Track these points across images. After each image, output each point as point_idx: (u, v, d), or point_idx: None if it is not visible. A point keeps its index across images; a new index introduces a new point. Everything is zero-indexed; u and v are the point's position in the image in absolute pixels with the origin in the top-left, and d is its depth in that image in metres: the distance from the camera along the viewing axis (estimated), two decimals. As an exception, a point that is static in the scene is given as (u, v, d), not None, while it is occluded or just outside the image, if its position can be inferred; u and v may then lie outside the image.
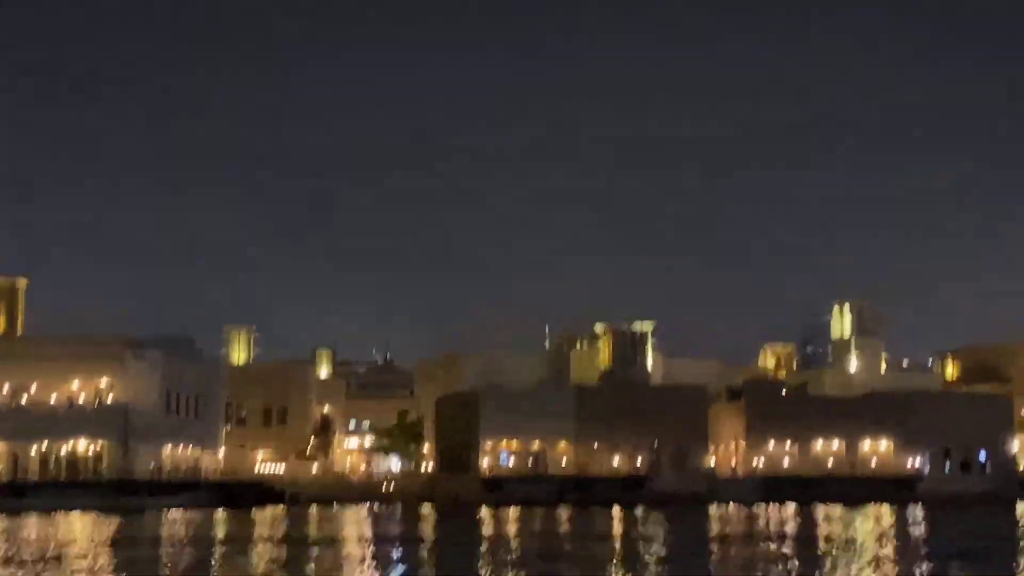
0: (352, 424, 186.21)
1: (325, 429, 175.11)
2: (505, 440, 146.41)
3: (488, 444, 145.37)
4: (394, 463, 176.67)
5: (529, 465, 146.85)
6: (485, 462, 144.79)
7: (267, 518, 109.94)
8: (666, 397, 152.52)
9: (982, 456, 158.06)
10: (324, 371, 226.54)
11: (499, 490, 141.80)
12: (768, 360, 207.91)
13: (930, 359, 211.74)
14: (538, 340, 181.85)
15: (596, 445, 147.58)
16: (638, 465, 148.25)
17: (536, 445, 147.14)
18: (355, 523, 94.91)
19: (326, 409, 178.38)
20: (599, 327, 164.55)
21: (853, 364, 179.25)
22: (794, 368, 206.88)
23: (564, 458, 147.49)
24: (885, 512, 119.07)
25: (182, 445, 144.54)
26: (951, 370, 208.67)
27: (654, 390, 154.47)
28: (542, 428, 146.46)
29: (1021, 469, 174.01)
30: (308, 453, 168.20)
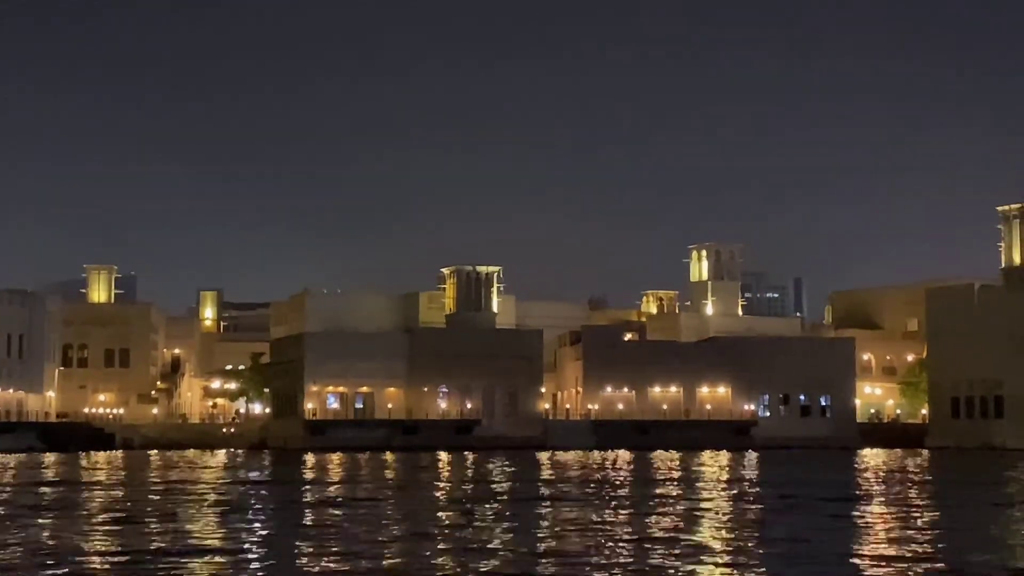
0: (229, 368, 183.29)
1: (175, 371, 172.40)
2: (332, 384, 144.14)
3: (314, 388, 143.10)
4: (257, 407, 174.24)
5: (357, 408, 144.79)
6: (309, 406, 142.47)
7: (90, 463, 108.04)
8: (502, 340, 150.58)
9: (824, 401, 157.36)
10: (209, 313, 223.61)
11: (322, 434, 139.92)
12: (650, 306, 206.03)
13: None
14: (398, 281, 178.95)
15: (427, 389, 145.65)
16: (469, 408, 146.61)
17: (365, 389, 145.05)
18: (165, 469, 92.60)
19: (176, 351, 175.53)
20: (445, 270, 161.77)
21: (709, 308, 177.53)
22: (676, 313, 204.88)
23: (395, 402, 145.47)
24: (720, 458, 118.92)
25: (2, 387, 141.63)
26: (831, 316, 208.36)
27: (490, 333, 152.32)
28: (371, 372, 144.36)
29: (874, 413, 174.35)
30: (152, 396, 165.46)
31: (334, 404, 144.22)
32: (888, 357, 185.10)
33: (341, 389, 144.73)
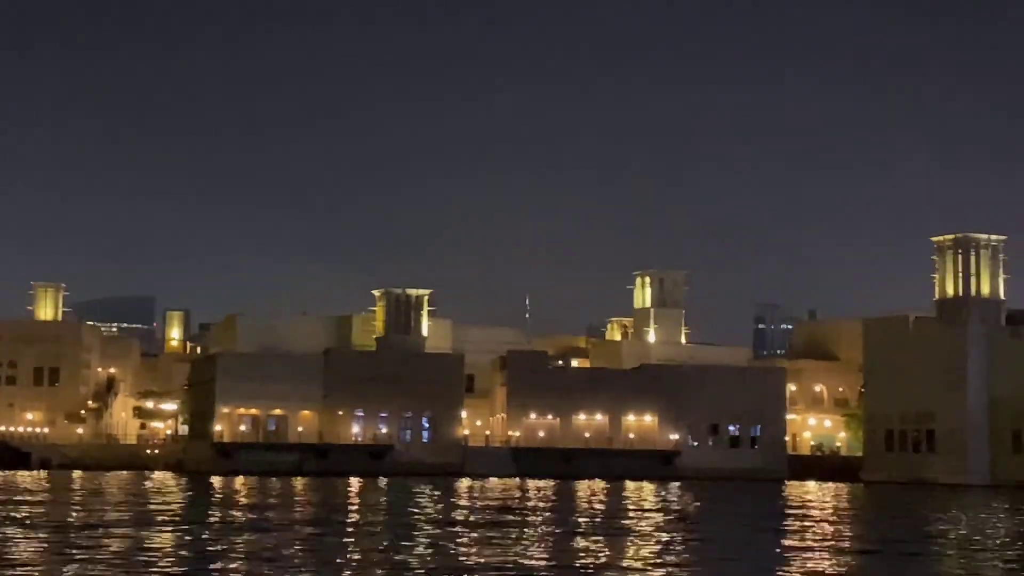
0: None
1: (109, 391, 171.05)
2: (244, 407, 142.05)
3: (225, 410, 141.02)
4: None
5: (269, 430, 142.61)
6: (218, 428, 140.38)
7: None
8: (422, 365, 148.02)
9: (754, 432, 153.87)
10: (175, 333, 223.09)
11: (230, 457, 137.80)
12: (615, 333, 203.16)
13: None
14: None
15: (342, 412, 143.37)
16: (384, 433, 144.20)
17: (278, 412, 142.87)
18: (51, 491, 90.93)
19: (112, 370, 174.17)
20: (376, 292, 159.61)
21: (651, 335, 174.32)
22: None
23: (308, 425, 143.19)
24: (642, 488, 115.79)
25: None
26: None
27: (410, 357, 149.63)
28: (286, 394, 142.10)
29: (815, 445, 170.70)
30: (81, 415, 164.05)
31: (242, 427, 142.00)
32: (840, 389, 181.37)
33: (254, 411, 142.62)
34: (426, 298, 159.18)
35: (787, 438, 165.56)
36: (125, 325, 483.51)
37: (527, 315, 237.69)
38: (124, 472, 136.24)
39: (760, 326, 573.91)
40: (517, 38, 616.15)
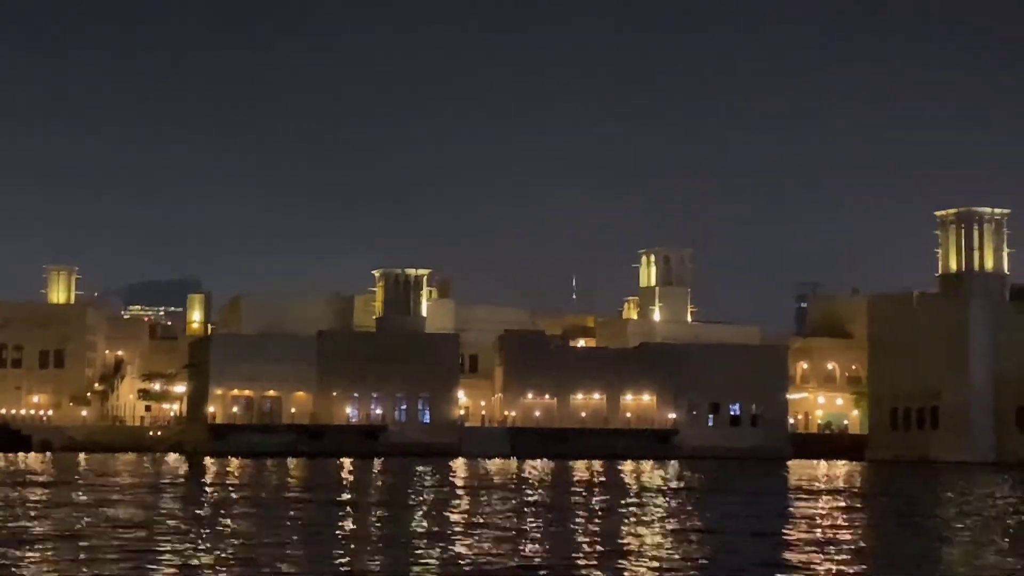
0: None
1: (116, 373, 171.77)
2: (238, 388, 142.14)
3: (218, 391, 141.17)
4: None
5: (264, 411, 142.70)
6: (211, 409, 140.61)
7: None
8: (417, 345, 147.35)
9: (756, 411, 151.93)
10: (196, 315, 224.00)
11: (224, 439, 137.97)
12: (631, 312, 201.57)
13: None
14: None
15: (336, 393, 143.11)
16: (378, 413, 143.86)
17: (272, 393, 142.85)
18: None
19: (119, 353, 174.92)
20: (376, 272, 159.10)
21: (656, 314, 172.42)
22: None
23: (302, 407, 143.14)
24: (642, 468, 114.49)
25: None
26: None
27: (405, 337, 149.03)
28: (280, 376, 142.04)
29: (823, 424, 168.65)
30: (87, 398, 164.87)
31: (234, 408, 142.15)
32: (853, 367, 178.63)
33: (247, 393, 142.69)
34: (425, 278, 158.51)
35: (798, 416, 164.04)
36: (172, 309, 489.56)
37: (574, 296, 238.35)
38: (128, 454, 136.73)
39: (802, 304, 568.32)
40: (525, 20, 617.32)
